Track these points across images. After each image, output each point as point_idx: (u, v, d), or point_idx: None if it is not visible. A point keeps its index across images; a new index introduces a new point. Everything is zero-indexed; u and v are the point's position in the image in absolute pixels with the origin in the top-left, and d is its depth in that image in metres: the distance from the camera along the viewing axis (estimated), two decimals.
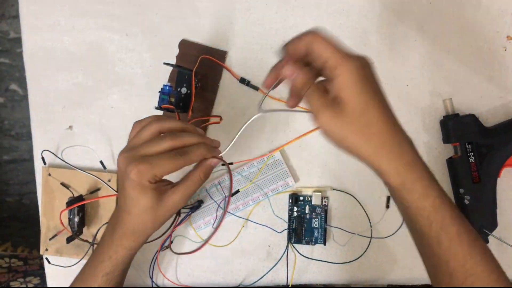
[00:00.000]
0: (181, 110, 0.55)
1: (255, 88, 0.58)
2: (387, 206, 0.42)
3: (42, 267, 0.64)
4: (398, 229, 0.57)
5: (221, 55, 0.59)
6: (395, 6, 0.57)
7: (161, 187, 0.43)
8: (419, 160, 0.37)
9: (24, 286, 0.82)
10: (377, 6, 0.57)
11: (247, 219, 0.59)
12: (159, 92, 0.52)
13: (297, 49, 0.36)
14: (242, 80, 0.58)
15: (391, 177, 0.36)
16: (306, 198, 0.58)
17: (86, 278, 0.47)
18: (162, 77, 0.59)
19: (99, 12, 0.60)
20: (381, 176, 0.37)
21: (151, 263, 0.59)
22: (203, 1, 0.59)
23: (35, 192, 0.62)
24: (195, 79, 0.56)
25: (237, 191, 0.58)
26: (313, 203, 0.57)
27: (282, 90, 0.58)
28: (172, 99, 0.52)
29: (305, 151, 0.59)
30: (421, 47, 0.57)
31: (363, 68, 0.35)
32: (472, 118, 0.54)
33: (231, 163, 0.58)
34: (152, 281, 0.60)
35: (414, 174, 0.36)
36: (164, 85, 0.52)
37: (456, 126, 0.54)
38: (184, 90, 0.56)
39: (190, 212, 0.58)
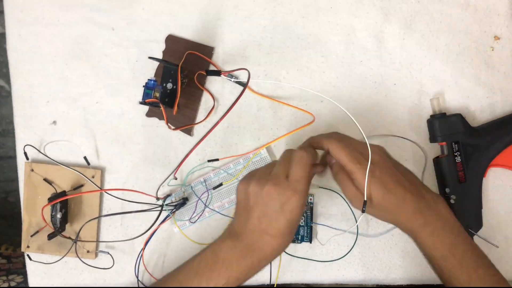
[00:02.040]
0: (167, 105, 0.54)
1: (242, 84, 0.58)
2: (363, 211, 0.44)
3: (25, 266, 0.62)
4: (386, 232, 0.57)
5: (208, 51, 0.59)
6: (383, 4, 0.57)
7: None
8: (433, 216, 0.45)
9: (6, 284, 0.81)
10: (365, 4, 0.57)
11: (232, 218, 0.58)
12: (143, 86, 0.51)
13: (319, 145, 0.49)
14: (230, 76, 0.58)
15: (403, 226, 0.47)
16: None
17: None
18: (148, 72, 0.59)
19: (85, 6, 0.59)
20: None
21: (136, 261, 0.58)
22: None
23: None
24: (181, 75, 0.55)
25: (220, 184, 0.58)
26: None
27: (269, 87, 0.58)
28: (157, 94, 0.52)
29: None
30: (409, 45, 0.57)
31: (376, 169, 0.44)
32: (458, 118, 0.54)
33: (217, 159, 0.58)
34: (138, 280, 0.59)
35: (424, 232, 0.45)
36: (148, 79, 0.51)
37: (443, 126, 0.54)
38: (170, 85, 0.56)
39: (174, 210, 0.57)
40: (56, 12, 0.60)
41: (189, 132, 0.59)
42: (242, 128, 0.59)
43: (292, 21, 0.58)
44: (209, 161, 0.58)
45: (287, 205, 0.42)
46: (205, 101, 0.59)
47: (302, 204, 0.43)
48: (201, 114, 0.59)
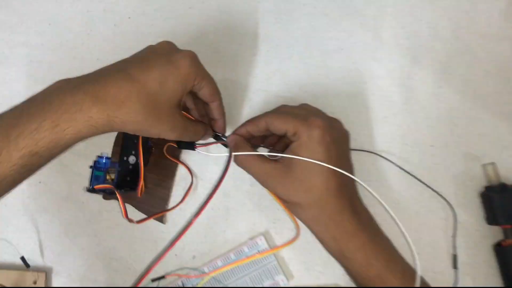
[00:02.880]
0: (127, 188, 0.40)
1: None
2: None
3: None
4: None
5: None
6: (411, 43, 0.44)
7: None
8: (363, 230, 0.35)
9: None
10: (386, 43, 0.44)
11: None
12: (90, 167, 0.37)
13: (258, 127, 0.38)
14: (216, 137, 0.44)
15: (328, 243, 0.36)
16: None
17: None
18: (103, 143, 0.44)
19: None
20: (320, 243, 0.37)
21: None
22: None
23: None
24: (147, 144, 0.41)
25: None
26: None
27: None
28: (111, 176, 0.37)
29: (301, 238, 0.43)
30: (447, 95, 0.43)
31: (323, 130, 0.34)
32: None
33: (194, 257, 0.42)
34: None
35: (353, 244, 0.35)
36: (99, 156, 0.37)
37: (504, 201, 0.40)
38: (132, 159, 0.41)
39: None
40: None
41: (161, 219, 0.44)
42: (231, 210, 0.44)
43: (292, 67, 0.45)
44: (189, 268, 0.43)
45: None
46: (183, 176, 0.45)
47: None
48: (177, 192, 0.45)
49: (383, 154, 0.43)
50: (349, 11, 0.45)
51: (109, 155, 0.38)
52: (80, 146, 0.44)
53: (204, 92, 0.35)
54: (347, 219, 0.35)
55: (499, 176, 0.41)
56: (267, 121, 0.37)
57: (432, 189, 0.42)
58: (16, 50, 0.49)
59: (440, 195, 0.41)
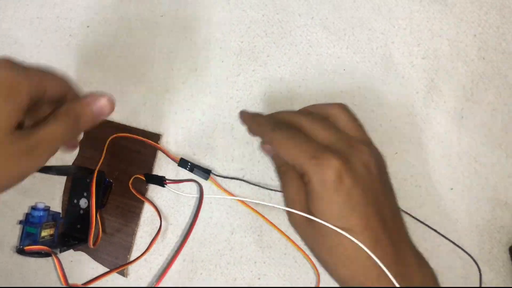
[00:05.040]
0: (76, 242, 0.32)
1: (206, 172, 0.36)
2: None
3: None
4: None
5: (155, 139, 0.37)
6: (428, 64, 0.36)
7: None
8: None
9: None
10: (398, 65, 0.36)
11: None
12: (19, 222, 0.29)
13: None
14: (183, 164, 0.36)
15: None
16: None
17: None
18: (47, 187, 0.37)
19: None
20: None
21: None
22: None
23: None
24: (105, 180, 0.33)
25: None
26: None
27: (252, 193, 0.36)
28: (49, 232, 0.29)
29: None
30: (471, 128, 0.35)
31: (339, 171, 0.25)
32: None
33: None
34: None
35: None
36: (32, 208, 0.29)
37: None
38: (84, 202, 0.34)
39: None
40: None
41: (122, 273, 0.36)
42: (207, 263, 0.36)
43: (283, 88, 0.37)
44: None
45: None
46: (149, 218, 0.37)
47: None
48: (142, 239, 0.37)
49: None
50: (354, 23, 0.37)
51: (48, 205, 0.30)
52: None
53: (52, 90, 0.26)
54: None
55: None
56: (273, 142, 0.28)
57: (452, 242, 0.34)
58: None
59: (462, 249, 0.34)
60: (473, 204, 0.35)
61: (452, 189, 0.35)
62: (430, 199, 0.35)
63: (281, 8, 0.38)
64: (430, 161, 0.35)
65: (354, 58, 0.37)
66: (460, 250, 0.34)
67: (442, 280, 0.34)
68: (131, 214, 0.37)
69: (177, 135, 0.38)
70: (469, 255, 0.34)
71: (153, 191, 0.37)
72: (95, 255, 0.37)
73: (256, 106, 0.37)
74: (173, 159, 0.36)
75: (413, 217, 0.34)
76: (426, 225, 0.34)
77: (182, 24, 0.40)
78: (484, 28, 0.35)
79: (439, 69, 0.36)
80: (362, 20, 0.37)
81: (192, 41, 0.39)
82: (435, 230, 0.34)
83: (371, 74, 0.36)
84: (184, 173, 0.36)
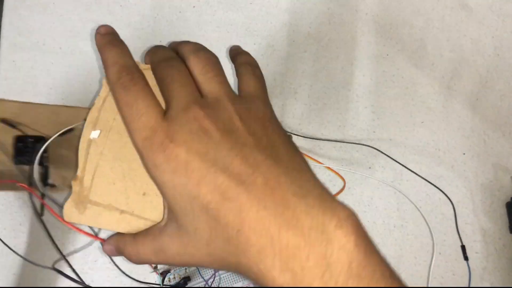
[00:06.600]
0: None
1: None
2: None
3: None
4: None
5: None
6: (453, 55, 0.46)
7: None
8: None
9: None
10: (430, 54, 0.46)
11: None
12: None
13: None
14: None
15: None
16: None
17: None
18: None
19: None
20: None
21: None
22: None
23: None
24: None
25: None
26: None
27: None
28: None
29: None
30: (484, 107, 0.45)
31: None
32: None
33: None
34: None
35: None
36: None
37: None
38: None
39: None
40: (59, 38, 0.51)
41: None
42: None
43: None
44: None
45: None
46: None
47: None
48: None
49: (415, 159, 0.45)
50: (398, 22, 0.48)
51: None
52: None
53: None
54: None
55: None
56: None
57: (428, 181, 0.44)
58: (87, 25, 0.54)
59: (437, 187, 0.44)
60: (480, 167, 0.45)
61: (464, 154, 0.45)
62: (447, 160, 0.45)
63: None
64: (448, 130, 0.45)
65: (396, 46, 0.47)
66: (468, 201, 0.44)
67: (450, 225, 0.44)
68: None
69: None
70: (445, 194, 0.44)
71: None
72: None
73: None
74: None
75: (422, 177, 0.45)
76: (430, 182, 0.44)
77: None
78: (501, 32, 0.46)
79: (462, 60, 0.46)
80: (404, 18, 0.48)
81: None
82: (434, 185, 0.44)
83: (408, 60, 0.47)
84: None
